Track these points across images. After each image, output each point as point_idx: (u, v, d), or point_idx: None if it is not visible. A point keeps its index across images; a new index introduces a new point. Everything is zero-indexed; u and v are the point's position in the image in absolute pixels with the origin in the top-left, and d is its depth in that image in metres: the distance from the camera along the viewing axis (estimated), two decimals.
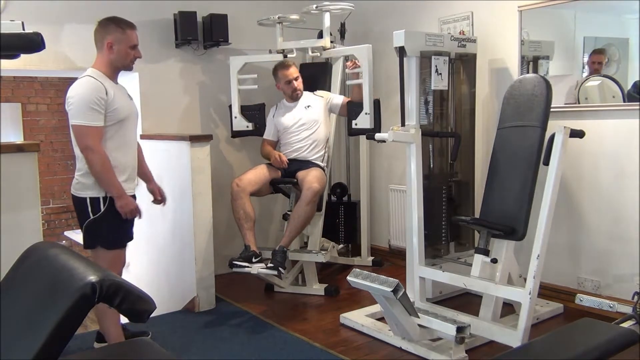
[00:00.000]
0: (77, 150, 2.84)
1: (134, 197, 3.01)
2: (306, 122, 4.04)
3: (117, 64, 2.89)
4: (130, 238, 3.06)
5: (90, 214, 2.84)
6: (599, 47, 3.53)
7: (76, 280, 1.56)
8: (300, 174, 3.91)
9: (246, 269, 3.60)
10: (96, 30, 2.89)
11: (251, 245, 3.75)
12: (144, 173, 3.24)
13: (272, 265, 3.61)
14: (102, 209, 2.84)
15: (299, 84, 4.05)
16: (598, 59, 3.53)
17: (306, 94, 4.15)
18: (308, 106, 4.07)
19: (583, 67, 3.62)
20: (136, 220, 3.03)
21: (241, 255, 3.68)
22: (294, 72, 4.03)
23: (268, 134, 4.22)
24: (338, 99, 4.13)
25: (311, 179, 3.81)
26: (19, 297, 1.74)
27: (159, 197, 3.28)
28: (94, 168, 2.76)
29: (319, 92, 4.18)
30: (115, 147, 2.85)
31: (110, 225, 2.86)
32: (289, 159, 4.05)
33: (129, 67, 2.95)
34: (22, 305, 1.70)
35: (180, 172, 3.79)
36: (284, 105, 4.17)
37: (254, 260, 3.64)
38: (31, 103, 6.73)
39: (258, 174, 3.97)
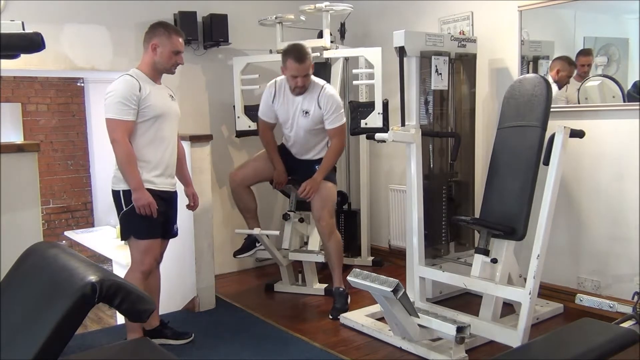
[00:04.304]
0: None
1: (174, 193, 3.13)
2: (301, 125, 3.71)
3: (158, 66, 2.99)
4: (170, 234, 3.19)
5: (124, 206, 2.93)
6: (587, 47, 3.52)
7: (76, 280, 1.56)
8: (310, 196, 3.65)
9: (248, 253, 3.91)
10: (146, 32, 3.01)
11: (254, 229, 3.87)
12: (183, 176, 3.28)
13: (338, 307, 3.59)
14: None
15: (304, 81, 3.54)
16: (586, 61, 3.52)
17: (313, 92, 3.61)
18: (306, 112, 3.63)
19: None
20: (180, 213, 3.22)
21: (242, 245, 3.91)
22: (305, 69, 3.50)
23: (264, 114, 3.80)
24: (332, 124, 3.64)
25: (318, 208, 3.63)
26: (19, 297, 1.74)
27: (191, 203, 3.32)
28: (117, 159, 2.87)
29: (324, 98, 3.59)
30: (147, 143, 2.93)
31: (141, 216, 2.90)
32: (290, 152, 3.87)
33: (170, 71, 3.05)
34: (22, 305, 1.70)
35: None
36: (286, 93, 3.69)
37: (257, 245, 3.84)
38: (31, 103, 6.73)
39: (258, 170, 3.87)
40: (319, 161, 3.78)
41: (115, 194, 2.97)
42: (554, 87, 3.60)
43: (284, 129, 3.82)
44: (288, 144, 3.88)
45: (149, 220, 2.93)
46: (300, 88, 3.57)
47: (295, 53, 3.48)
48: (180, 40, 3.01)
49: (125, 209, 2.93)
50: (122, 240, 3.06)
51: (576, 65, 3.58)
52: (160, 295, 3.28)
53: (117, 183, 2.94)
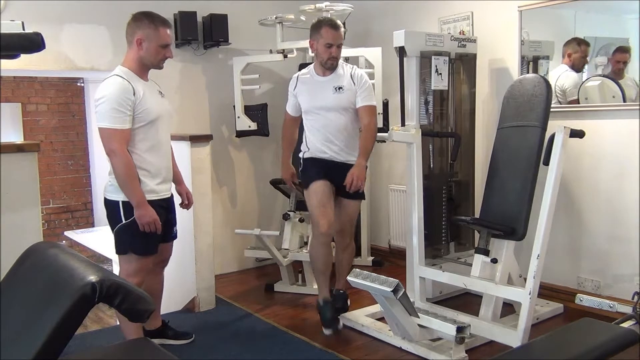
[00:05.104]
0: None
1: (170, 198, 2.95)
2: (334, 109, 3.27)
3: (145, 62, 2.75)
4: (171, 237, 3.04)
5: (123, 219, 2.72)
6: (622, 45, 3.41)
7: (76, 280, 1.56)
8: (339, 202, 3.35)
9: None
10: (128, 24, 2.75)
11: (327, 295, 3.38)
12: (175, 174, 3.09)
13: (337, 307, 3.43)
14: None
15: (338, 52, 3.25)
16: (623, 58, 3.41)
17: (342, 71, 3.31)
18: (339, 88, 3.25)
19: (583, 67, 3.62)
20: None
21: (325, 319, 3.30)
22: (340, 37, 3.25)
23: (288, 107, 3.50)
24: (365, 101, 3.27)
25: (343, 221, 3.38)
26: (19, 297, 1.74)
27: (186, 201, 3.15)
28: (117, 173, 2.65)
29: (357, 75, 3.30)
30: (147, 148, 2.74)
31: (142, 231, 2.71)
32: (319, 159, 3.32)
33: (158, 66, 2.80)
34: (22, 305, 1.70)
35: (180, 172, 3.78)
36: (310, 78, 3.36)
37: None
38: (31, 103, 6.72)
39: (327, 205, 3.26)
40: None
41: (113, 204, 2.74)
42: (572, 74, 3.55)
43: (309, 119, 3.34)
44: (318, 143, 3.31)
45: (149, 236, 2.75)
46: (334, 60, 3.25)
47: (329, 21, 3.28)
48: (168, 31, 2.76)
49: (124, 222, 2.72)
50: (117, 253, 2.83)
51: (588, 44, 3.51)
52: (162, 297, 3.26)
53: (115, 193, 2.73)
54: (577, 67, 3.58)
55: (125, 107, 2.62)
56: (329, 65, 3.24)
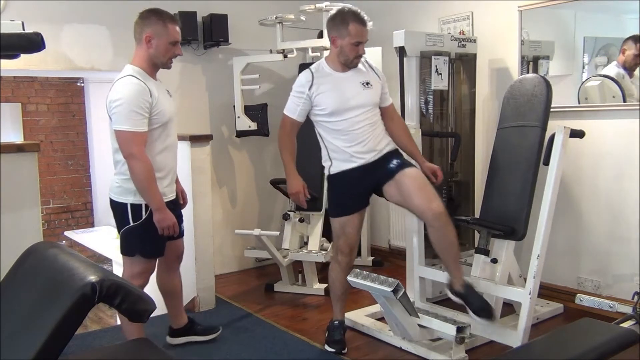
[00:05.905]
0: (116, 154, 2.67)
1: (175, 201, 2.91)
2: (366, 105, 2.91)
3: (155, 60, 2.69)
4: (180, 234, 2.95)
5: (131, 221, 2.69)
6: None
7: (76, 280, 1.56)
8: (394, 187, 2.90)
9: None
10: (136, 22, 2.70)
11: (342, 317, 3.19)
12: None
13: (475, 306, 2.89)
14: (144, 216, 2.68)
15: (364, 49, 2.94)
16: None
17: (362, 63, 3.02)
18: (367, 83, 2.94)
19: (583, 67, 3.62)
20: None
21: (333, 339, 3.11)
22: (368, 31, 2.95)
23: (294, 112, 2.93)
24: (389, 97, 3.08)
25: (425, 197, 2.83)
26: (19, 297, 1.74)
27: (180, 201, 3.06)
28: (137, 177, 2.59)
29: (374, 66, 3.09)
30: (160, 150, 2.71)
31: (151, 234, 2.69)
32: (350, 170, 2.93)
33: (167, 65, 2.75)
34: (22, 305, 1.70)
35: (180, 172, 3.77)
36: (330, 75, 2.94)
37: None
38: (31, 103, 6.73)
39: (351, 233, 3.03)
40: (391, 152, 2.98)
41: (121, 206, 2.70)
42: (619, 70, 3.34)
43: (332, 121, 2.89)
44: (347, 148, 2.90)
45: (159, 239, 2.72)
46: (360, 58, 2.93)
47: (356, 15, 2.89)
48: (177, 28, 2.73)
49: (132, 224, 2.68)
50: (123, 255, 2.80)
51: None
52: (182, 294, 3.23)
53: (122, 194, 2.68)
54: (629, 66, 3.34)
55: (143, 109, 2.58)
56: (354, 64, 2.92)
